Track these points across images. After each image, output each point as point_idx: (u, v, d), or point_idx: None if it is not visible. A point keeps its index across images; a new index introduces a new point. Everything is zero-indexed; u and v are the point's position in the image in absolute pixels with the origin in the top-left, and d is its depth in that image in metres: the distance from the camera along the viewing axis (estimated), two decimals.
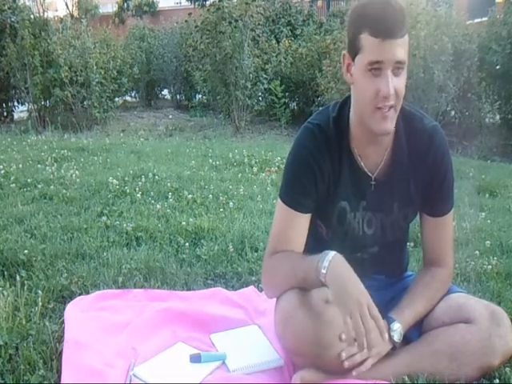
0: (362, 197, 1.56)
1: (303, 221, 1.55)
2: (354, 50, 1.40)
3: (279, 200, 1.58)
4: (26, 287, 2.04)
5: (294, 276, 1.50)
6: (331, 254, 1.41)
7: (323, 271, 1.39)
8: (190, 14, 8.95)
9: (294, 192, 1.55)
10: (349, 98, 1.52)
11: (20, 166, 4.24)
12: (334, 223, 1.58)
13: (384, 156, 1.53)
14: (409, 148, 1.52)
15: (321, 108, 1.63)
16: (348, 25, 1.45)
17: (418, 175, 1.53)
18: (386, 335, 1.35)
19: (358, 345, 1.32)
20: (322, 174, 1.51)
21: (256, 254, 2.46)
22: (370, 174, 1.54)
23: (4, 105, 7.79)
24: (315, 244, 1.62)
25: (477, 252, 2.46)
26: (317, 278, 1.40)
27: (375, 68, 1.36)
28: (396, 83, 1.36)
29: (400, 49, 1.35)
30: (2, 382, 1.52)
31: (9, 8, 7.26)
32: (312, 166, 1.50)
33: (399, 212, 1.58)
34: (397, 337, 1.45)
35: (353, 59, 1.42)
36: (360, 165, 1.53)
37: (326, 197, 1.54)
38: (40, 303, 1.90)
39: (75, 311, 1.87)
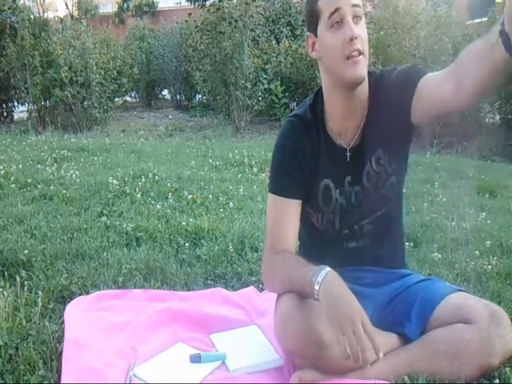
0: (344, 172, 1.59)
1: (294, 207, 1.58)
2: (315, 21, 1.49)
3: (269, 194, 1.62)
4: (26, 287, 2.04)
5: (290, 285, 1.50)
6: (325, 270, 1.39)
7: (316, 287, 1.38)
8: (189, 14, 8.95)
9: (281, 179, 1.60)
10: (321, 88, 1.61)
11: (20, 166, 4.24)
12: (320, 203, 1.61)
13: (360, 128, 1.58)
14: (381, 106, 1.54)
15: None
16: (305, 6, 1.55)
17: (393, 114, 1.51)
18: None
19: (352, 361, 1.28)
20: (305, 157, 1.57)
21: (256, 254, 2.46)
22: (345, 146, 1.58)
23: (4, 105, 7.79)
24: (309, 238, 1.64)
25: (477, 252, 2.46)
26: (311, 293, 1.40)
27: (337, 21, 1.44)
28: (359, 30, 1.45)
29: None
30: (2, 382, 1.52)
31: (9, 8, 7.26)
32: (294, 152, 1.57)
33: (380, 167, 1.58)
34: None
35: (315, 33, 1.51)
36: (336, 141, 1.58)
37: (310, 178, 1.59)
38: (40, 303, 1.90)
39: (75, 311, 1.87)
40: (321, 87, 1.62)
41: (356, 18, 1.45)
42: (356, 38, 1.43)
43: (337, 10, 1.44)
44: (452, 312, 1.49)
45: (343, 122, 1.58)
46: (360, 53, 1.45)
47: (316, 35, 1.52)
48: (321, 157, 1.59)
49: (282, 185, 1.60)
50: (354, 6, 1.45)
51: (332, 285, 1.37)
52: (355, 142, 1.59)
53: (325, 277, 1.38)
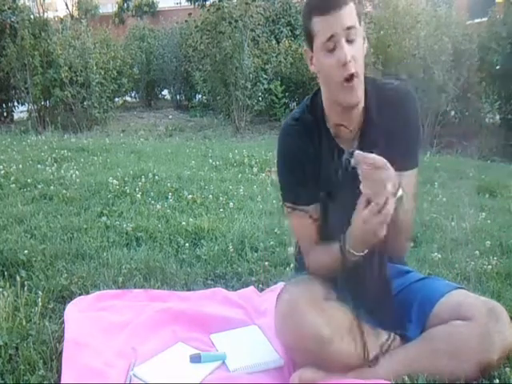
0: (345, 174, 1.56)
1: (310, 214, 1.59)
2: (311, 39, 1.49)
3: (285, 205, 1.63)
4: (26, 287, 2.04)
5: (332, 270, 1.54)
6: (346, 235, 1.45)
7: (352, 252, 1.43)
8: (189, 14, 8.94)
9: (292, 190, 1.61)
10: (320, 89, 1.61)
11: (20, 166, 4.24)
12: (326, 203, 1.60)
13: (358, 131, 1.58)
14: (381, 115, 1.55)
15: None
16: (302, 20, 1.54)
17: (390, 135, 1.53)
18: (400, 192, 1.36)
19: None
20: (308, 157, 1.58)
21: (256, 254, 2.46)
22: (344, 148, 1.57)
23: (4, 105, 7.78)
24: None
25: (477, 252, 2.46)
26: (351, 260, 1.45)
27: (331, 46, 1.44)
28: (352, 50, 1.43)
29: (347, 16, 1.42)
30: (2, 382, 1.52)
31: (9, 8, 7.25)
32: (297, 154, 1.58)
33: None
34: None
35: (312, 49, 1.51)
36: (337, 144, 1.59)
37: (314, 177, 1.59)
38: (40, 303, 1.90)
39: (75, 311, 1.88)
40: (318, 89, 1.62)
41: (350, 37, 1.44)
42: (350, 62, 1.43)
43: (331, 37, 1.43)
44: (451, 309, 1.49)
45: (340, 124, 1.58)
46: (354, 76, 1.45)
47: (312, 50, 1.51)
48: (323, 158, 1.58)
49: (293, 196, 1.61)
50: (349, 28, 1.42)
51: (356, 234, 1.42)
52: (354, 145, 1.57)
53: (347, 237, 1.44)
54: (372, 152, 1.52)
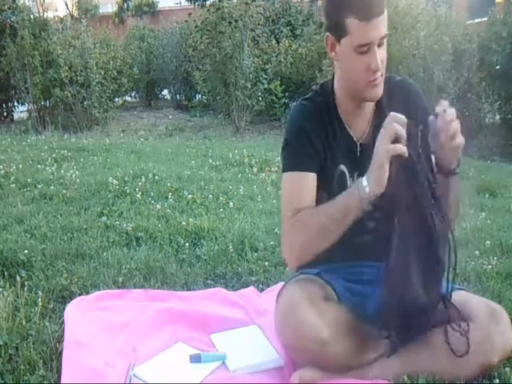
0: (354, 163, 1.60)
1: (310, 180, 1.57)
2: (340, 33, 1.46)
3: (283, 175, 1.61)
4: (26, 287, 2.04)
5: (330, 221, 1.47)
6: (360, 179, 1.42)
7: (366, 189, 1.38)
8: (189, 14, 8.95)
9: (295, 156, 1.59)
10: (329, 79, 1.63)
11: (20, 166, 4.24)
12: (335, 188, 1.57)
13: (369, 122, 1.60)
14: (392, 105, 1.54)
15: None
16: (329, 8, 1.50)
17: None
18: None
19: None
20: (317, 135, 1.58)
21: (256, 254, 2.46)
22: (355, 140, 1.60)
23: (4, 105, 7.79)
24: None
25: (477, 252, 2.46)
26: (361, 201, 1.40)
27: (364, 51, 1.44)
28: (381, 54, 1.46)
29: (383, 24, 1.44)
30: (2, 382, 1.52)
31: (9, 8, 7.25)
32: (305, 129, 1.58)
33: None
34: None
35: (336, 39, 1.48)
36: (348, 132, 1.60)
37: (325, 160, 1.59)
38: (40, 303, 1.90)
39: (75, 311, 1.88)
40: (328, 80, 1.63)
41: (381, 42, 1.45)
42: (380, 68, 1.45)
43: (367, 44, 1.43)
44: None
45: (352, 114, 1.60)
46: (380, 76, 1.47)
47: (338, 42, 1.49)
48: (335, 142, 1.59)
49: (295, 161, 1.59)
50: (383, 37, 1.44)
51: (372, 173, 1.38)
52: (366, 138, 1.60)
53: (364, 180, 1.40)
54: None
